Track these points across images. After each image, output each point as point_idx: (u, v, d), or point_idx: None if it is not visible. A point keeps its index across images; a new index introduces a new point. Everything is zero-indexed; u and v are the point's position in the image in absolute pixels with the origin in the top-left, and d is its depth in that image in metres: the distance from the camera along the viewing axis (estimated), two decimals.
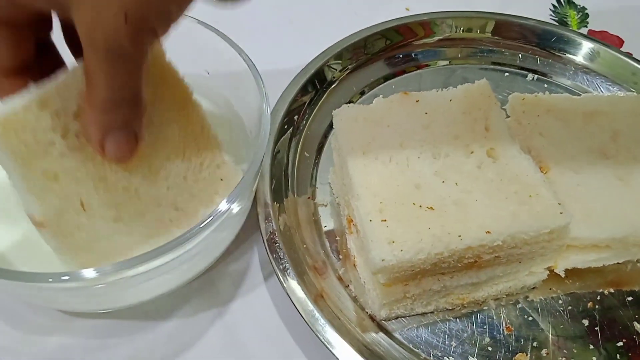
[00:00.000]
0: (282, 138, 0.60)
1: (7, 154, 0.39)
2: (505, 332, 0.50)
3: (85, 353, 0.48)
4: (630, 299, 0.52)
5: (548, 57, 0.70)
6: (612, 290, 0.52)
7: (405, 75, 0.70)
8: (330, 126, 0.62)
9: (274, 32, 0.76)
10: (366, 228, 0.46)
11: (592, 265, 0.51)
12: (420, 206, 0.47)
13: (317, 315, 0.47)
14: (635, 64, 0.67)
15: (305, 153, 0.61)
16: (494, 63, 0.71)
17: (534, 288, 0.52)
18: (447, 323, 0.50)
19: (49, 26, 0.42)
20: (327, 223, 0.56)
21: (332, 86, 0.66)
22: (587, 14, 0.79)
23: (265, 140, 0.47)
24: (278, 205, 0.54)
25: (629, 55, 0.69)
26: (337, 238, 0.55)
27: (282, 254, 0.50)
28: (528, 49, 0.71)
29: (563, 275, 0.51)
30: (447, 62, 0.71)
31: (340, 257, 0.54)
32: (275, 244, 0.51)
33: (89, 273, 0.40)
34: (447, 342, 0.49)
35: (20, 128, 0.39)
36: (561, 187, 0.51)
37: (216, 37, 0.54)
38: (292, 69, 0.65)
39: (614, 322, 0.50)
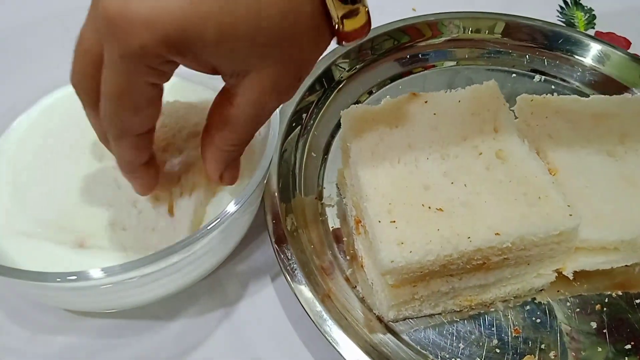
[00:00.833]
0: (290, 138, 0.60)
1: None
2: (513, 334, 0.50)
3: (91, 353, 0.48)
4: (638, 301, 0.52)
5: (555, 58, 0.70)
6: (620, 293, 0.52)
7: (412, 75, 0.69)
8: (338, 126, 0.62)
9: None
10: (375, 229, 0.46)
11: (600, 267, 0.51)
12: (429, 207, 0.47)
13: (325, 315, 0.47)
14: None
15: (313, 153, 0.61)
16: (501, 64, 0.71)
17: (541, 290, 0.52)
18: (455, 325, 0.50)
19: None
20: (334, 224, 0.56)
21: (340, 86, 0.66)
22: (594, 15, 0.79)
23: (274, 140, 0.47)
24: (285, 205, 0.54)
25: (636, 57, 0.68)
26: (345, 239, 0.55)
27: (289, 254, 0.50)
28: (535, 50, 0.71)
29: (571, 278, 0.50)
30: (454, 63, 0.71)
31: (348, 258, 0.54)
32: (283, 244, 0.51)
33: (96, 273, 0.40)
34: (454, 344, 0.49)
35: None
36: (569, 189, 0.50)
37: None
38: None
39: (622, 325, 0.50)
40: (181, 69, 0.37)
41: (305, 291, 0.48)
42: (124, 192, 0.48)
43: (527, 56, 0.71)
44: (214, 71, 0.37)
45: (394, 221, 0.46)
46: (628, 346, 0.49)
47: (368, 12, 0.38)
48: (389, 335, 0.49)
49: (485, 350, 0.49)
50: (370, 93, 0.67)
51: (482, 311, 0.51)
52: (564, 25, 0.78)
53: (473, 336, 0.49)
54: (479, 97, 0.54)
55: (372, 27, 0.67)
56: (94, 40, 0.36)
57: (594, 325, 0.50)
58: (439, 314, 0.51)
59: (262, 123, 0.41)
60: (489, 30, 0.72)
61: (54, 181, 0.50)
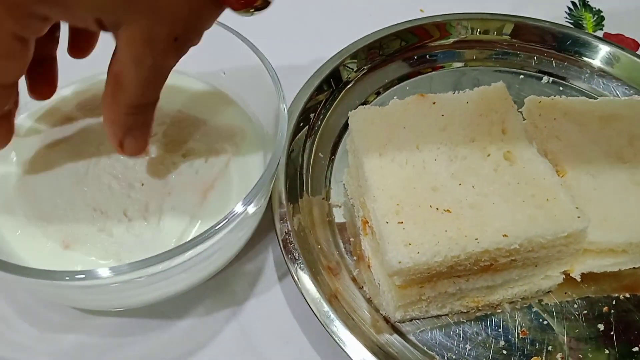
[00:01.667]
0: (297, 138, 0.60)
1: None
2: (520, 336, 0.50)
3: (100, 351, 0.48)
4: None
5: (563, 59, 0.70)
6: (627, 295, 0.52)
7: (419, 76, 0.69)
8: (345, 126, 0.63)
9: (288, 33, 0.76)
10: (382, 230, 0.46)
11: (608, 269, 0.51)
12: (437, 208, 0.47)
13: (332, 315, 0.47)
14: None
15: (320, 154, 0.61)
16: (509, 65, 0.71)
17: (549, 292, 0.52)
18: (462, 326, 0.50)
19: (57, 41, 0.45)
20: (341, 224, 0.56)
21: (348, 86, 0.66)
22: (602, 16, 0.79)
23: (282, 141, 0.47)
24: (292, 205, 0.55)
25: None
26: (352, 239, 0.55)
27: (297, 254, 0.50)
28: (543, 51, 0.71)
29: (579, 280, 0.50)
30: (461, 64, 0.71)
31: (355, 258, 0.54)
32: (290, 244, 0.51)
33: (104, 272, 0.40)
34: (461, 345, 0.49)
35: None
36: (578, 191, 0.51)
37: (233, 37, 0.54)
38: (307, 69, 0.65)
39: (629, 327, 0.50)
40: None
41: (312, 291, 0.48)
42: (116, 199, 0.48)
43: (535, 57, 0.71)
44: (92, 24, 0.37)
45: (402, 222, 0.46)
46: (635, 349, 0.49)
47: None
48: (395, 335, 0.49)
49: (492, 351, 0.49)
50: (377, 94, 0.67)
51: (488, 312, 0.51)
52: (572, 26, 0.77)
53: (480, 337, 0.49)
54: (487, 98, 0.54)
55: (380, 28, 0.69)
56: None
57: (601, 327, 0.50)
58: (446, 315, 0.51)
59: (151, 83, 0.40)
60: (497, 32, 0.72)
61: (49, 180, 0.50)
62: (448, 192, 0.48)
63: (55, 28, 0.43)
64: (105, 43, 0.40)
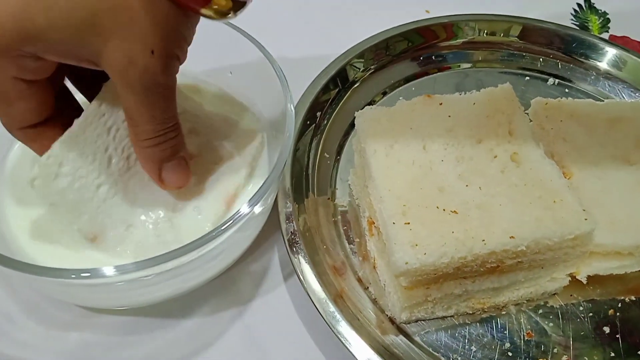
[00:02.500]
0: (303, 137, 0.60)
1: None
2: (526, 338, 0.49)
3: (106, 349, 0.48)
4: None
5: (569, 61, 0.70)
6: (633, 298, 0.52)
7: (426, 77, 0.69)
8: (351, 126, 0.63)
9: (295, 33, 0.76)
10: (389, 231, 0.46)
11: (614, 272, 0.50)
12: (444, 210, 0.47)
13: (338, 316, 0.47)
14: None
15: (325, 154, 0.61)
16: (514, 67, 0.71)
17: (554, 294, 0.52)
18: (467, 327, 0.50)
19: (64, 74, 0.46)
20: (347, 224, 0.56)
21: (354, 86, 0.66)
22: (608, 19, 0.79)
23: (289, 141, 0.47)
24: (298, 205, 0.54)
25: None
26: (357, 240, 0.55)
27: (302, 254, 0.50)
28: (549, 53, 0.71)
29: (585, 282, 0.50)
30: (468, 65, 0.71)
31: (360, 258, 0.54)
32: (296, 244, 0.51)
33: (110, 270, 0.40)
34: (467, 347, 0.49)
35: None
36: (584, 193, 0.50)
37: (239, 36, 0.54)
38: (313, 69, 0.65)
39: (635, 330, 0.50)
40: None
41: (318, 291, 0.48)
42: (145, 198, 0.48)
43: (541, 59, 0.71)
44: (83, 61, 0.39)
45: (409, 223, 0.46)
46: None
47: None
48: (401, 336, 0.49)
49: (498, 353, 0.49)
50: (384, 94, 0.67)
51: (494, 314, 0.51)
52: (578, 28, 0.77)
53: (485, 339, 0.49)
54: (494, 100, 0.54)
55: (386, 29, 0.69)
56: None
57: (606, 330, 0.50)
58: (451, 316, 0.51)
59: (155, 105, 0.40)
60: (503, 33, 0.72)
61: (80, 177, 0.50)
62: (455, 193, 0.48)
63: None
64: None
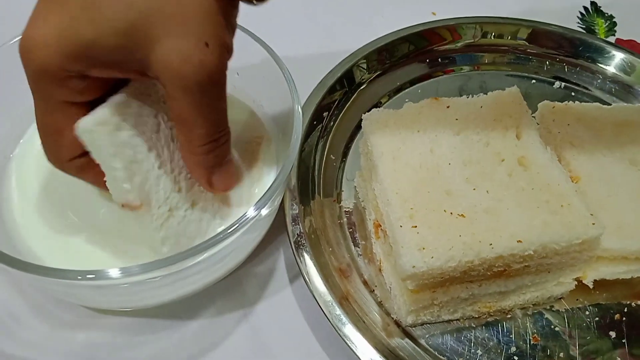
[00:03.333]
0: (309, 138, 0.60)
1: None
2: (532, 342, 0.49)
3: (111, 350, 0.48)
4: None
5: (576, 65, 0.70)
6: (639, 303, 0.52)
7: (432, 79, 0.69)
8: (357, 128, 0.63)
9: (302, 34, 0.76)
10: (396, 234, 0.46)
11: (620, 277, 0.50)
12: (451, 213, 0.46)
13: (343, 318, 0.47)
14: None
15: (331, 156, 0.61)
16: (521, 70, 0.71)
17: (560, 298, 0.52)
18: (473, 331, 0.50)
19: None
20: (352, 226, 0.56)
21: (361, 88, 0.66)
22: (614, 22, 0.79)
23: (297, 143, 0.47)
24: (304, 207, 0.54)
25: None
26: (363, 242, 0.55)
27: (308, 256, 0.50)
28: (555, 56, 0.71)
29: (591, 286, 0.50)
30: (473, 68, 0.71)
31: (366, 261, 0.54)
32: (302, 246, 0.51)
33: (115, 272, 0.40)
34: (472, 350, 0.49)
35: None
36: (591, 198, 0.50)
37: (247, 37, 0.54)
38: (319, 71, 0.64)
39: None
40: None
41: (323, 293, 0.48)
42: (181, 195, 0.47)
43: (548, 62, 0.70)
44: (131, 72, 0.37)
45: (416, 226, 0.46)
46: None
47: None
48: (406, 339, 0.49)
49: (503, 357, 0.48)
50: (390, 96, 0.67)
51: (500, 318, 0.51)
52: (584, 32, 0.77)
53: (491, 343, 0.49)
54: (501, 103, 0.54)
55: (392, 31, 0.69)
56: None
57: (612, 334, 0.50)
58: (457, 319, 0.50)
59: (210, 108, 0.38)
60: (509, 36, 0.72)
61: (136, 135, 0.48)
62: (462, 197, 0.48)
63: None
64: None
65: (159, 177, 0.43)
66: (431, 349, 0.49)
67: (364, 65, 0.67)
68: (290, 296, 0.52)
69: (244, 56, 0.54)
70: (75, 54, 0.35)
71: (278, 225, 0.53)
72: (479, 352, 0.49)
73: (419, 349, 0.49)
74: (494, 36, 0.72)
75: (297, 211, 0.53)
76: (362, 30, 0.70)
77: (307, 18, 0.78)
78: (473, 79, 0.70)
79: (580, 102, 0.59)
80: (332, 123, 0.63)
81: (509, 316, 0.51)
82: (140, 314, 0.50)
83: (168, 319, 0.50)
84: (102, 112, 0.40)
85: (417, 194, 0.48)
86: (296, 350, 0.49)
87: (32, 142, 0.53)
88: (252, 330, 0.50)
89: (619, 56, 0.69)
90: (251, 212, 0.43)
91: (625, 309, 0.52)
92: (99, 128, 0.40)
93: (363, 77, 0.66)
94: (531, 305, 0.51)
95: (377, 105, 0.66)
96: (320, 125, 0.61)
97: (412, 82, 0.69)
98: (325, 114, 0.62)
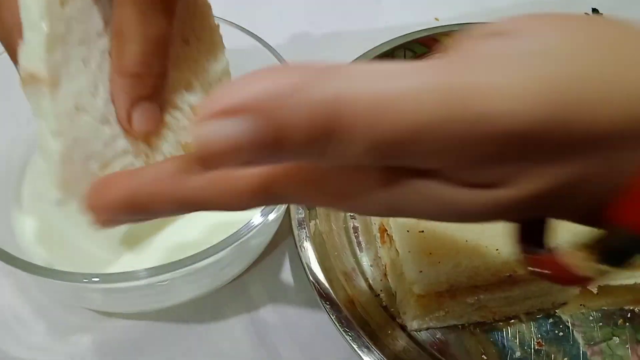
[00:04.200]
0: None
1: None
2: (536, 347, 0.50)
3: (117, 354, 0.48)
4: None
5: None
6: None
7: None
8: None
9: (305, 40, 0.76)
10: (403, 239, 0.46)
11: (624, 282, 0.51)
12: None
13: (349, 321, 0.47)
14: None
15: None
16: None
17: (564, 303, 0.52)
18: (479, 336, 0.50)
19: None
20: (357, 231, 0.57)
21: None
22: None
23: None
24: (309, 211, 0.55)
25: None
26: (367, 246, 0.55)
27: (314, 259, 0.50)
28: None
29: (595, 292, 0.51)
30: None
31: (371, 265, 0.54)
32: (308, 249, 0.51)
33: (121, 276, 0.40)
34: (477, 355, 0.49)
35: None
36: None
37: (255, 42, 0.54)
38: None
39: None
40: None
41: (329, 297, 0.48)
42: None
43: None
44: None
45: (422, 231, 0.46)
46: None
47: None
48: (412, 344, 0.49)
49: None
50: None
51: (505, 323, 0.51)
52: None
53: (496, 348, 0.50)
54: None
55: (391, 38, 0.69)
56: None
57: (616, 340, 0.50)
58: (463, 324, 0.51)
59: (152, 20, 0.33)
60: None
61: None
62: None
63: None
64: None
65: (80, 71, 0.37)
66: (437, 354, 0.49)
67: None
68: (297, 299, 0.52)
69: (252, 61, 0.54)
70: None
71: (284, 229, 0.53)
72: (484, 356, 0.49)
73: (424, 353, 0.49)
74: None
75: (302, 215, 0.53)
76: (364, 37, 0.70)
77: (308, 25, 0.79)
78: None
79: None
80: None
81: (513, 321, 0.51)
82: (146, 317, 0.50)
83: (174, 322, 0.50)
84: None
85: None
86: (302, 353, 0.49)
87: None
88: (258, 334, 0.50)
89: None
90: (258, 219, 0.43)
91: (629, 314, 0.52)
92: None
93: None
94: (536, 310, 0.52)
95: None
96: None
97: None
98: None
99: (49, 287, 0.48)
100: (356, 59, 0.67)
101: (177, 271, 0.42)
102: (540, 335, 0.51)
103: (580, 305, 0.52)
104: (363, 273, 0.53)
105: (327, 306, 0.48)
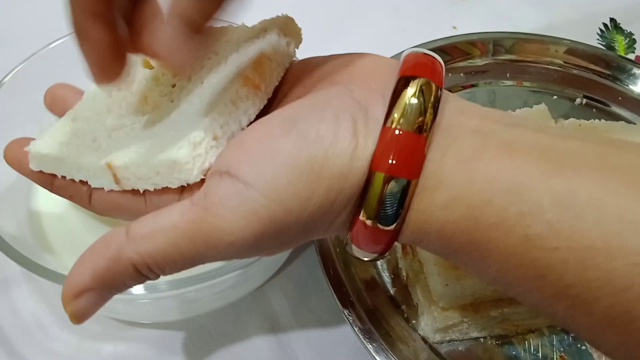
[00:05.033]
0: None
1: None
2: None
3: None
4: None
5: (598, 82, 0.70)
6: None
7: (455, 94, 0.69)
8: None
9: (322, 46, 0.76)
10: (428, 252, 0.45)
11: None
12: None
13: (371, 332, 0.47)
14: None
15: None
16: (541, 85, 0.71)
17: None
18: (500, 348, 0.50)
19: None
20: None
21: None
22: (634, 39, 0.79)
23: None
24: None
25: None
26: (388, 256, 0.55)
27: (335, 269, 0.50)
28: (578, 72, 0.71)
29: None
30: (494, 83, 0.71)
31: (392, 276, 0.54)
32: (329, 259, 0.51)
33: (142, 289, 0.40)
34: None
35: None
36: None
37: None
38: None
39: None
40: None
41: (352, 307, 0.48)
42: None
43: (569, 79, 0.71)
44: None
45: None
46: None
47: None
48: (433, 356, 0.49)
49: None
50: None
51: (527, 335, 0.51)
52: (604, 48, 0.78)
53: None
54: None
55: (412, 45, 0.69)
56: None
57: None
58: (485, 337, 0.50)
59: None
60: (531, 51, 0.72)
61: None
62: None
63: None
64: None
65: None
66: None
67: None
68: (317, 309, 0.52)
69: None
70: None
71: None
72: None
73: None
74: (515, 51, 0.72)
75: None
76: (383, 46, 0.70)
77: (324, 33, 0.78)
78: (495, 94, 0.70)
79: (602, 119, 0.60)
80: None
81: (536, 334, 0.51)
82: (168, 327, 0.50)
83: (195, 332, 0.50)
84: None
85: None
86: None
87: None
88: (279, 344, 0.50)
89: (636, 72, 0.69)
90: None
91: None
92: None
93: None
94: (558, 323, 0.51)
95: None
96: None
97: None
98: None
99: None
100: None
101: (202, 284, 0.42)
102: (563, 348, 0.50)
103: None
104: (384, 284, 0.53)
105: (350, 317, 0.48)
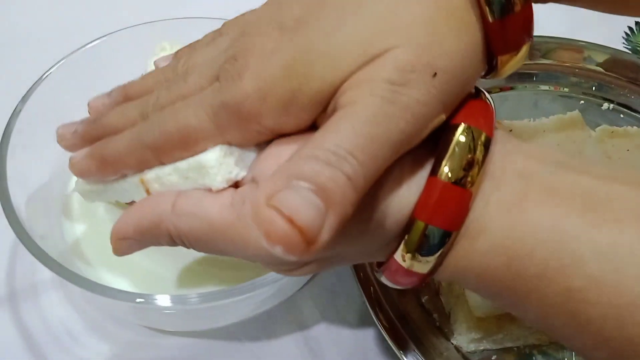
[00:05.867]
0: None
1: None
2: None
3: None
4: None
5: (624, 86, 0.69)
6: None
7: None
8: None
9: None
10: None
11: None
12: None
13: (405, 341, 0.47)
14: None
15: None
16: (569, 90, 0.70)
17: None
18: (534, 357, 0.50)
19: None
20: None
21: None
22: None
23: None
24: None
25: None
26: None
27: (367, 276, 0.50)
28: (605, 76, 0.70)
29: None
30: (521, 87, 0.71)
31: (423, 284, 0.53)
32: (360, 266, 0.50)
33: (165, 300, 0.40)
34: None
35: None
36: None
37: None
38: None
39: None
40: None
41: (384, 315, 0.48)
42: None
43: (597, 83, 0.70)
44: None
45: None
46: None
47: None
48: None
49: None
50: None
51: (559, 345, 0.50)
52: (630, 52, 0.77)
53: None
54: (564, 127, 0.54)
55: None
56: None
57: None
58: (518, 346, 0.50)
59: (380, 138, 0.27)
60: (558, 55, 0.71)
61: None
62: None
63: None
64: None
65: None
66: None
67: None
68: (350, 318, 0.52)
69: None
70: None
71: None
72: None
73: None
74: (541, 55, 0.72)
75: None
76: None
77: None
78: (523, 98, 0.69)
79: (630, 125, 0.59)
80: None
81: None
82: (200, 335, 0.49)
83: (227, 341, 0.49)
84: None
85: None
86: None
87: None
88: (311, 352, 0.49)
89: None
90: None
91: None
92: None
93: None
94: None
95: None
96: None
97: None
98: None
99: (103, 302, 0.47)
100: None
101: (235, 297, 0.41)
102: None
103: None
104: (415, 292, 0.53)
105: (382, 324, 0.47)
